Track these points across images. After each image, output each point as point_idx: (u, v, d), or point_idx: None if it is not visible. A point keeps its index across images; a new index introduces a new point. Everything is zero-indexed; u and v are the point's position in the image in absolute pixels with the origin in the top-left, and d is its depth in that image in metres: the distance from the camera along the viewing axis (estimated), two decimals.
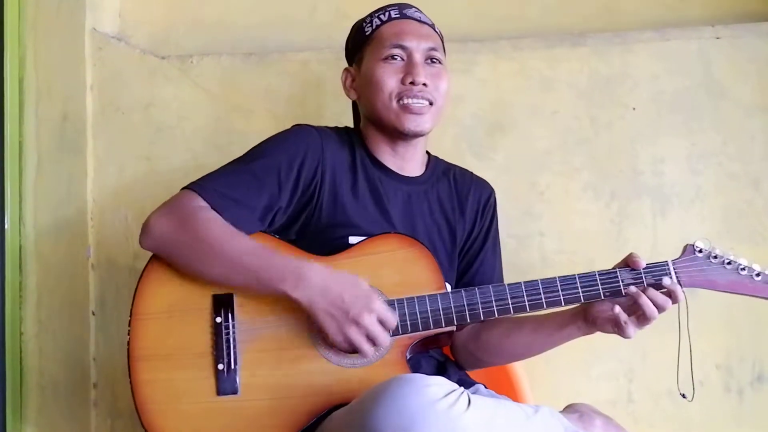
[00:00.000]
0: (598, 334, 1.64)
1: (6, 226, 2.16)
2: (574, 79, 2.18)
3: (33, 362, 2.17)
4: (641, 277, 1.56)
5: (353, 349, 1.49)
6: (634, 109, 2.17)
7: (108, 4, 2.29)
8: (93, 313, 2.16)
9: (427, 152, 1.87)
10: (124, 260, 2.17)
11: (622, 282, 1.56)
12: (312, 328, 1.53)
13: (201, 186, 1.60)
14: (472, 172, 1.90)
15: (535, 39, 2.21)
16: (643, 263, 1.57)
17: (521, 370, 1.91)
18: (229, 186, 1.60)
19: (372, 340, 1.48)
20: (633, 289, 1.54)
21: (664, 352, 1.95)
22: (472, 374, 1.81)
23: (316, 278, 1.49)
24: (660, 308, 1.53)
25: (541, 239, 2.16)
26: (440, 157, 1.90)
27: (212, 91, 2.22)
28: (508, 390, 1.83)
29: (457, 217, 1.80)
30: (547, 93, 2.19)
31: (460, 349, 1.80)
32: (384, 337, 1.48)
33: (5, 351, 2.14)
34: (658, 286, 1.55)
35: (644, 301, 1.52)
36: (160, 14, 2.35)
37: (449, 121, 2.15)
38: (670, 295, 1.53)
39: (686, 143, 2.16)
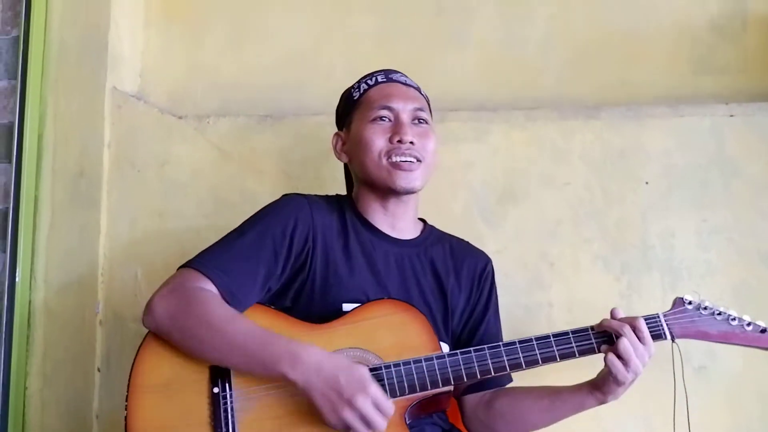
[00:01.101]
0: None
1: (17, 280, 2.17)
2: (587, 151, 2.19)
3: (36, 417, 2.16)
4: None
5: (348, 430, 1.48)
6: (646, 183, 2.17)
7: (129, 63, 2.34)
8: (98, 370, 2.16)
9: (423, 220, 1.90)
10: (132, 317, 2.17)
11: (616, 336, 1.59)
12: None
13: (201, 263, 1.62)
14: (468, 243, 1.92)
15: (549, 110, 2.23)
16: (621, 313, 1.64)
17: None
18: (228, 260, 1.63)
19: (367, 423, 1.46)
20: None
21: (668, 425, 1.95)
22: None
23: (311, 359, 1.49)
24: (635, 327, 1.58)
25: (549, 310, 2.15)
26: (450, 223, 1.92)
27: (227, 150, 2.25)
28: None
29: (452, 282, 1.81)
30: (560, 164, 2.20)
31: (470, 416, 1.80)
32: (379, 421, 1.47)
33: (8, 406, 2.13)
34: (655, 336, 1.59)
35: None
36: (180, 75, 2.40)
37: (460, 187, 2.16)
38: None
39: (697, 218, 2.15)
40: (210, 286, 1.58)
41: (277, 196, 1.80)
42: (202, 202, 2.24)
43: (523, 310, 2.12)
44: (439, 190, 1.84)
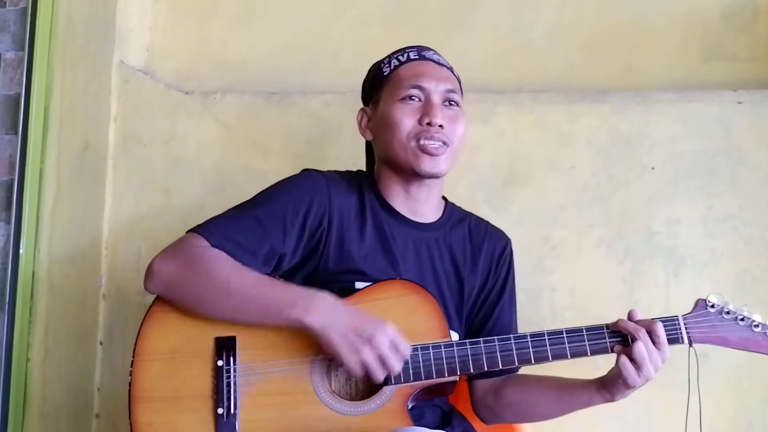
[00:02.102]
0: None
1: (21, 251, 2.18)
2: (593, 136, 2.18)
3: (37, 389, 2.17)
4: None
5: (365, 373, 1.47)
6: (653, 168, 2.16)
7: (136, 38, 2.34)
8: (101, 343, 2.17)
9: (445, 198, 1.86)
10: (134, 292, 2.17)
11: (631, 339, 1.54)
12: (315, 370, 1.53)
13: (206, 229, 1.60)
14: (488, 222, 1.88)
15: (556, 93, 2.22)
16: (640, 315, 1.58)
17: (527, 424, 1.88)
18: (233, 230, 1.60)
19: (384, 363, 1.47)
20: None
21: (671, 417, 1.94)
22: (478, 426, 1.79)
23: (327, 303, 1.50)
24: (652, 332, 1.52)
25: (551, 294, 2.15)
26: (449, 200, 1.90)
27: (233, 128, 2.24)
28: None
29: (469, 268, 1.78)
30: (565, 148, 2.19)
31: (479, 402, 1.78)
32: (396, 363, 1.47)
33: (11, 376, 2.14)
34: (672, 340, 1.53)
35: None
36: (187, 51, 2.40)
37: (465, 170, 2.15)
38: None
39: (703, 206, 2.14)
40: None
41: (282, 175, 1.77)
42: (207, 178, 2.24)
43: (525, 293, 2.10)
44: None
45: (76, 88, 2.26)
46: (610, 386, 1.59)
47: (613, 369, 1.58)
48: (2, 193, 2.23)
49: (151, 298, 1.63)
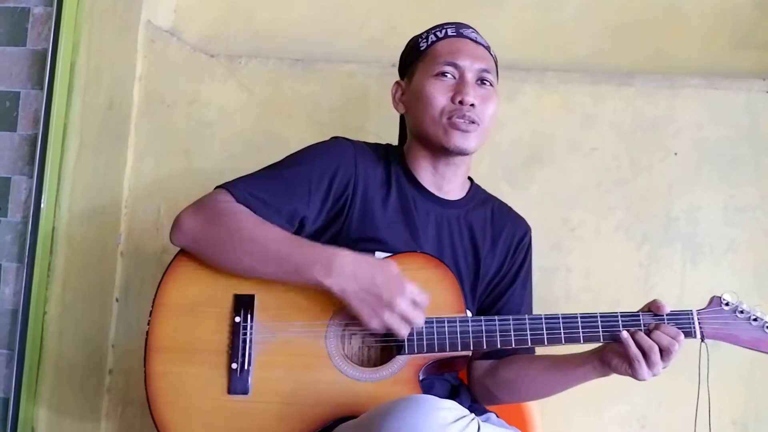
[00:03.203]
0: (614, 375, 1.62)
1: (42, 206, 2.19)
2: (618, 118, 2.17)
3: (53, 343, 2.20)
4: (663, 323, 1.54)
5: (389, 331, 1.50)
6: (675, 154, 2.15)
7: None
8: (116, 300, 2.19)
9: (470, 179, 1.86)
10: (152, 251, 2.19)
11: (644, 326, 1.54)
12: (331, 334, 1.55)
13: (233, 185, 1.62)
14: (510, 208, 1.88)
15: (582, 74, 2.20)
16: (667, 309, 1.55)
17: (535, 405, 1.89)
18: (259, 188, 1.62)
19: (407, 322, 1.49)
20: (625, 334, 1.53)
21: (680, 401, 1.95)
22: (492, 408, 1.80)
23: (346, 264, 1.50)
24: (665, 351, 1.50)
25: (567, 275, 2.15)
26: (474, 180, 1.90)
27: (256, 93, 2.24)
28: (520, 423, 1.81)
29: (487, 249, 1.78)
30: (589, 129, 2.18)
31: (476, 384, 1.78)
32: (419, 318, 1.50)
33: (27, 329, 2.17)
34: (685, 334, 1.53)
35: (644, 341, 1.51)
36: (215, 13, 2.39)
37: (487, 147, 2.12)
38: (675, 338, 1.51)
39: (724, 194, 2.13)
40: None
41: (304, 142, 1.77)
42: (229, 142, 2.24)
43: (541, 273, 2.09)
44: None
45: (102, 46, 2.26)
46: (611, 366, 1.58)
47: (611, 349, 1.58)
48: (26, 148, 2.24)
49: (168, 257, 1.65)
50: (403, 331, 1.49)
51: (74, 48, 2.26)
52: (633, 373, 1.53)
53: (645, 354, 1.50)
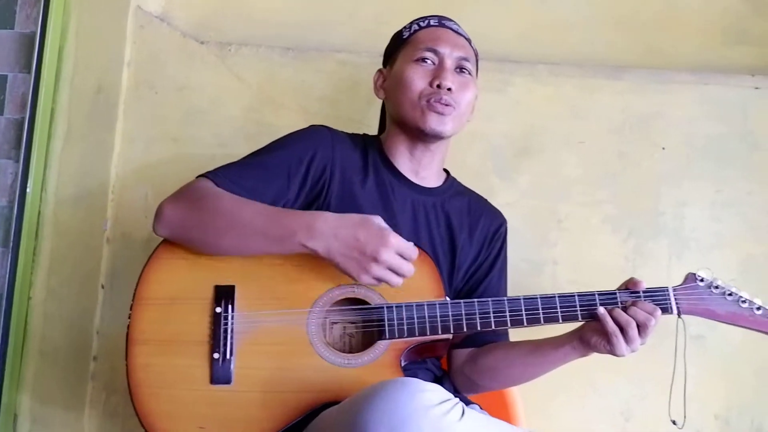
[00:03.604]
0: (598, 366, 1.63)
1: (28, 190, 2.18)
2: (608, 112, 2.18)
3: (37, 327, 2.18)
4: (640, 299, 1.56)
5: (380, 282, 1.51)
6: (664, 149, 2.16)
7: None
8: (102, 287, 2.17)
9: (447, 171, 1.89)
10: (139, 238, 2.18)
11: (621, 303, 1.56)
12: (312, 321, 1.55)
13: (213, 174, 1.64)
14: (486, 200, 1.91)
15: (574, 67, 2.21)
16: (643, 286, 1.58)
17: (518, 396, 1.90)
18: (239, 176, 1.63)
19: (396, 272, 1.50)
20: (602, 310, 1.55)
21: (664, 394, 1.95)
22: (474, 397, 1.80)
23: (327, 225, 1.51)
24: (642, 326, 1.52)
25: (554, 267, 2.15)
26: (464, 174, 1.91)
27: (247, 80, 2.23)
28: (503, 414, 1.83)
29: (464, 238, 1.80)
30: (579, 122, 2.18)
31: (457, 372, 1.79)
32: (407, 267, 1.50)
33: (12, 313, 2.15)
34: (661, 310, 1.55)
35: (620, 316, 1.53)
36: (206, 0, 2.37)
37: (477, 138, 2.15)
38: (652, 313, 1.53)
39: (712, 189, 2.14)
40: None
41: (294, 130, 1.78)
42: (218, 130, 2.23)
43: (528, 265, 2.12)
44: (455, 138, 1.82)
45: (91, 30, 2.24)
46: (591, 344, 1.59)
47: (590, 327, 1.59)
48: (13, 131, 2.22)
49: (155, 245, 1.64)
50: (395, 280, 1.50)
51: (63, 32, 2.25)
52: (612, 350, 1.55)
53: (623, 329, 1.53)
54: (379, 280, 1.50)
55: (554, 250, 2.16)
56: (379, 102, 1.90)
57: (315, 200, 1.69)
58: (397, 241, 1.50)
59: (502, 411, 1.83)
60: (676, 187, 2.15)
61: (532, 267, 2.12)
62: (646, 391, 2.10)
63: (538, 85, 2.19)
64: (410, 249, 1.52)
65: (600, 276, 2.13)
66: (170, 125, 2.24)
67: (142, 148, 2.23)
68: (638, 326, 1.52)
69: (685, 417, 1.55)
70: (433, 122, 1.71)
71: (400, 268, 1.50)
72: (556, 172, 2.18)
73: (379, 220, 1.53)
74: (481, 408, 1.74)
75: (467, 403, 1.73)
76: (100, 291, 2.18)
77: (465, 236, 1.80)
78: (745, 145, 2.15)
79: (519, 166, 2.18)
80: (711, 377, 2.04)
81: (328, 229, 1.51)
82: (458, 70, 1.76)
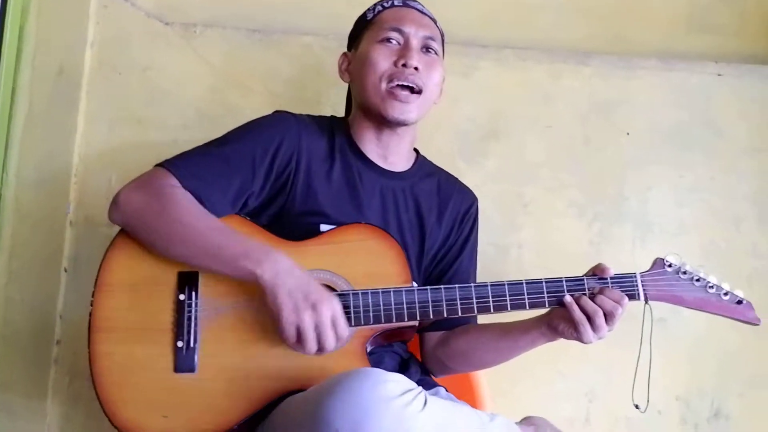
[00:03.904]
0: (564, 350, 1.65)
1: None
2: (574, 97, 2.19)
3: None
4: (608, 286, 1.56)
5: (297, 338, 1.45)
6: (628, 134, 2.18)
7: None
8: (65, 270, 2.15)
9: (417, 150, 1.87)
10: (103, 221, 2.11)
11: (589, 290, 1.56)
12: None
13: (174, 165, 1.59)
14: (457, 179, 1.90)
15: (540, 52, 2.21)
16: (611, 272, 1.58)
17: (483, 378, 1.91)
18: (202, 167, 1.59)
19: (319, 334, 1.45)
20: (568, 298, 1.55)
21: (627, 378, 1.97)
22: (439, 379, 1.81)
23: (282, 260, 1.48)
24: (608, 314, 1.52)
25: (519, 251, 2.17)
26: (429, 157, 1.91)
27: (212, 62, 2.21)
28: (469, 397, 1.83)
29: (433, 222, 1.79)
30: (545, 107, 2.19)
31: (429, 355, 1.80)
32: (331, 338, 1.45)
33: None
34: (629, 297, 1.55)
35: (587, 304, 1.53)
36: None
37: (443, 122, 2.15)
38: (619, 302, 1.53)
39: (675, 175, 2.17)
40: (180, 187, 1.56)
41: (260, 114, 1.76)
42: (184, 112, 2.20)
43: (493, 248, 2.13)
44: (422, 122, 1.82)
45: (53, 10, 2.19)
46: (558, 331, 1.60)
47: (558, 314, 1.59)
48: None
49: (118, 228, 1.62)
50: (311, 345, 1.45)
51: (24, 11, 2.19)
52: (579, 337, 1.55)
53: (590, 318, 1.53)
54: (300, 332, 1.44)
55: (520, 234, 2.17)
56: (346, 84, 1.89)
57: (280, 191, 1.67)
58: (340, 310, 1.47)
59: (467, 394, 1.84)
60: (641, 172, 2.18)
61: (498, 251, 2.14)
62: (609, 373, 2.13)
63: (505, 69, 2.20)
64: (344, 327, 1.47)
65: (565, 260, 2.15)
66: (134, 107, 2.20)
67: (105, 130, 2.19)
68: (605, 315, 1.52)
69: (648, 402, 1.56)
70: (395, 111, 1.69)
71: (325, 333, 1.45)
72: (522, 156, 2.19)
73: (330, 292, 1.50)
74: (447, 390, 1.75)
75: (433, 385, 1.74)
76: (63, 275, 2.15)
77: (434, 220, 1.79)
78: (707, 131, 2.18)
79: (485, 150, 2.19)
80: (673, 360, 2.07)
81: (283, 264, 1.47)
82: (424, 49, 1.74)
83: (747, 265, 2.16)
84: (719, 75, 2.17)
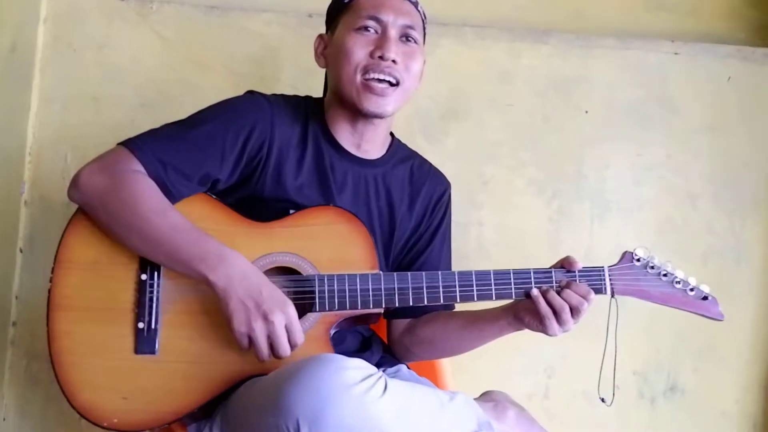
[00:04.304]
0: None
1: None
2: (533, 76, 2.20)
3: None
4: (575, 280, 1.55)
5: (249, 345, 1.44)
6: (587, 112, 2.20)
7: None
8: (20, 251, 2.12)
9: (392, 134, 1.82)
10: (59, 201, 2.12)
11: (556, 282, 1.55)
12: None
13: (139, 147, 1.53)
14: (431, 165, 1.86)
15: (500, 30, 2.21)
16: (579, 266, 1.56)
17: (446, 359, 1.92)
18: (168, 151, 1.54)
19: (272, 343, 1.43)
20: (535, 291, 1.53)
21: (585, 354, 2.00)
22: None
23: (237, 265, 1.45)
24: (574, 309, 1.51)
25: (480, 229, 2.19)
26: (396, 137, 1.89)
27: (170, 39, 2.18)
28: (430, 373, 1.84)
29: (404, 210, 1.76)
30: (505, 86, 2.20)
31: (396, 343, 1.79)
32: (285, 345, 1.43)
33: None
34: (595, 290, 1.54)
35: (555, 300, 1.52)
36: None
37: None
38: (585, 297, 1.52)
39: (632, 153, 2.20)
40: (143, 172, 1.51)
41: (220, 92, 1.72)
42: (141, 90, 2.17)
43: (454, 227, 2.10)
44: None
45: None
46: (524, 322, 1.59)
47: (524, 306, 1.58)
48: None
49: (74, 207, 1.59)
50: (263, 350, 1.42)
51: None
52: (544, 330, 1.54)
53: (556, 313, 1.52)
54: (252, 341, 1.43)
55: (480, 212, 2.19)
56: (306, 63, 1.84)
57: (249, 177, 1.62)
58: (294, 316, 1.44)
59: (428, 370, 1.85)
60: (599, 150, 2.20)
61: (459, 229, 2.13)
62: (567, 349, 2.16)
63: (465, 48, 2.20)
64: (299, 334, 1.44)
65: (525, 238, 2.18)
66: (89, 84, 2.17)
67: (60, 108, 2.16)
68: (571, 310, 1.51)
69: (614, 395, 1.57)
70: (371, 105, 1.62)
71: (279, 340, 1.42)
72: (482, 134, 2.20)
73: (285, 297, 1.46)
74: (408, 368, 1.76)
75: (395, 363, 1.75)
76: (19, 255, 2.12)
77: (405, 209, 1.76)
78: (664, 109, 2.20)
79: (446, 128, 2.19)
80: (631, 335, 2.10)
81: (237, 268, 1.44)
82: (403, 38, 1.65)
83: (702, 242, 2.20)
84: (676, 54, 2.20)
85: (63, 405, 1.46)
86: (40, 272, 2.11)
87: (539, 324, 1.55)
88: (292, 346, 1.44)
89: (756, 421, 2.21)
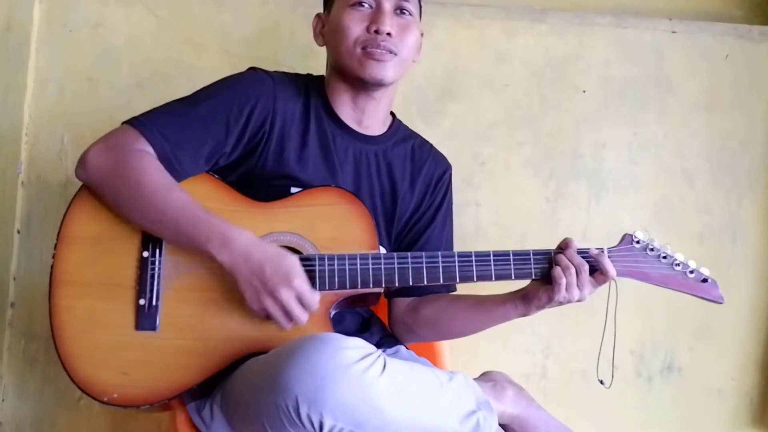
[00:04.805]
0: None
1: None
2: (529, 55, 2.20)
3: None
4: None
5: (268, 319, 1.46)
6: (584, 91, 2.19)
7: None
8: (18, 232, 2.12)
9: (393, 114, 1.83)
10: (55, 181, 2.12)
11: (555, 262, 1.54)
12: None
13: (145, 125, 1.54)
14: (432, 145, 1.87)
15: (496, 10, 2.20)
16: (576, 245, 1.56)
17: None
18: (174, 128, 1.55)
19: (288, 315, 1.45)
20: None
21: (582, 334, 2.02)
22: None
23: (241, 244, 1.46)
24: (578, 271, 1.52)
25: (476, 209, 2.19)
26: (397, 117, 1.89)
27: (165, 19, 2.16)
28: (429, 353, 1.85)
29: (405, 188, 1.77)
30: (501, 65, 2.19)
31: (398, 322, 1.79)
32: (300, 314, 1.45)
33: None
34: (592, 270, 1.54)
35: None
36: None
37: (400, 81, 2.13)
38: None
39: (629, 132, 2.20)
40: (150, 150, 1.52)
41: (215, 72, 1.72)
42: (136, 70, 2.16)
43: None
44: None
45: None
46: (532, 303, 1.59)
47: (531, 287, 1.59)
48: None
49: (72, 188, 1.60)
50: (283, 323, 1.46)
51: None
52: (556, 292, 1.52)
53: (577, 270, 1.52)
54: (268, 314, 1.46)
55: (477, 193, 2.18)
56: (302, 43, 1.85)
57: (252, 152, 1.62)
58: (301, 286, 1.45)
59: (427, 350, 1.86)
60: (595, 129, 2.20)
61: (456, 209, 2.09)
62: (564, 329, 2.17)
63: (461, 27, 2.19)
64: (311, 299, 1.46)
65: (522, 218, 2.18)
66: (85, 64, 2.16)
67: (56, 88, 2.15)
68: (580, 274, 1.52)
69: (612, 377, 1.58)
70: (372, 70, 1.64)
71: (293, 312, 1.45)
72: (478, 114, 2.19)
73: (293, 261, 1.47)
74: (407, 348, 1.77)
75: (394, 343, 1.76)
76: (16, 236, 2.12)
77: (407, 186, 1.77)
78: (660, 88, 2.20)
79: (442, 108, 2.19)
80: (628, 314, 2.08)
81: (241, 248, 1.45)
82: (398, 11, 1.67)
83: (698, 222, 2.21)
84: (673, 32, 2.19)
85: (61, 385, 1.47)
86: (37, 253, 2.11)
87: (551, 294, 1.53)
88: (309, 311, 1.47)
89: (752, 399, 2.22)
